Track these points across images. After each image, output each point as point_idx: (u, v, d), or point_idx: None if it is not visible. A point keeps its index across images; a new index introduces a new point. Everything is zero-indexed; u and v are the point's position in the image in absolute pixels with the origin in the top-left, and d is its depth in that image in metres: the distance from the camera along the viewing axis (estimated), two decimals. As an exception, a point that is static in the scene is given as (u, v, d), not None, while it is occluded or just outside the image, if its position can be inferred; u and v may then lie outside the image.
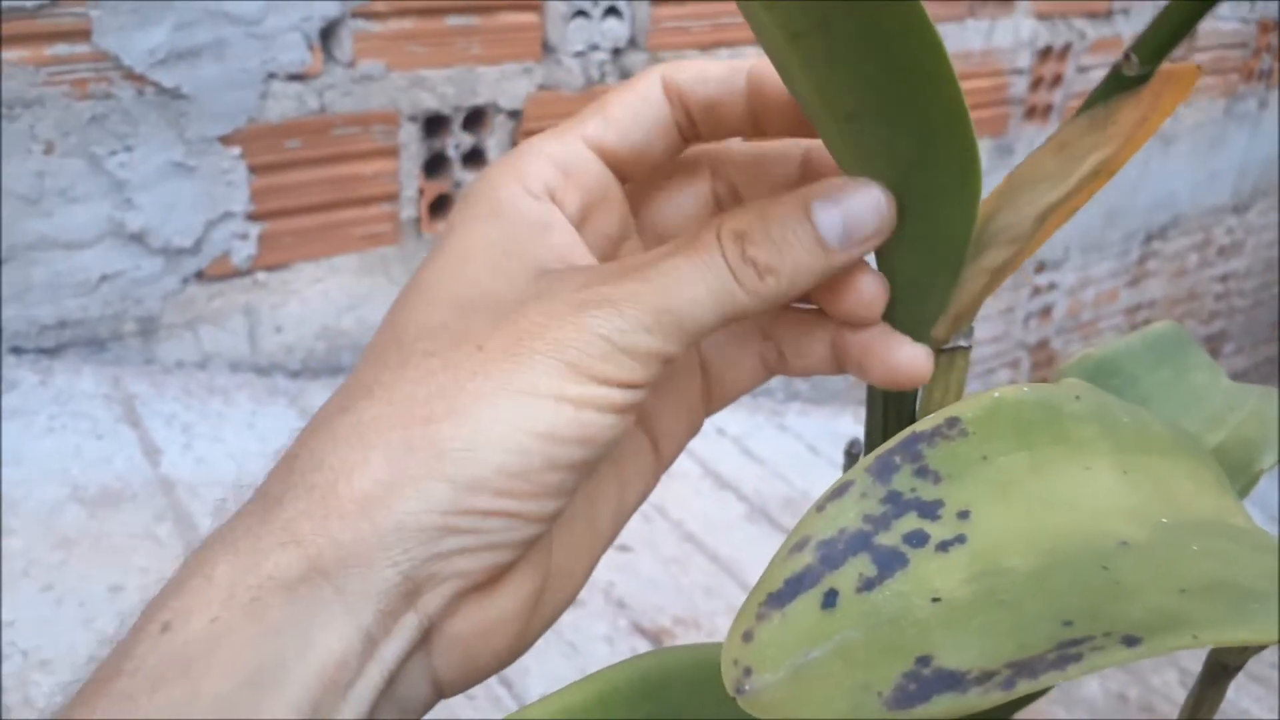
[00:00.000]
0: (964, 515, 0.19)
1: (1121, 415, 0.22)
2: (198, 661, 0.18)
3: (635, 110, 0.26)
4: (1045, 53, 1.67)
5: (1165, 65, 0.24)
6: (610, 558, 1.12)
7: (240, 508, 0.21)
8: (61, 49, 0.92)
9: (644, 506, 1.22)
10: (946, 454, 0.19)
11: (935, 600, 0.17)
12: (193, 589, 0.19)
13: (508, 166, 0.24)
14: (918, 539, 0.18)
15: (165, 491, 0.89)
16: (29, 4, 0.89)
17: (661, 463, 0.27)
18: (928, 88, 0.20)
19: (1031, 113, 1.69)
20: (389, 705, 0.21)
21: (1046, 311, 1.96)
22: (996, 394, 0.20)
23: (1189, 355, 0.31)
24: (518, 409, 0.21)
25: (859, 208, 0.22)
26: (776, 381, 1.62)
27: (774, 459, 1.31)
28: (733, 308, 0.22)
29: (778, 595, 0.18)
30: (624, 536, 1.20)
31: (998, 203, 0.24)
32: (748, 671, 0.17)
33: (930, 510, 0.19)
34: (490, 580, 0.22)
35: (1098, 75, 1.75)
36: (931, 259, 0.23)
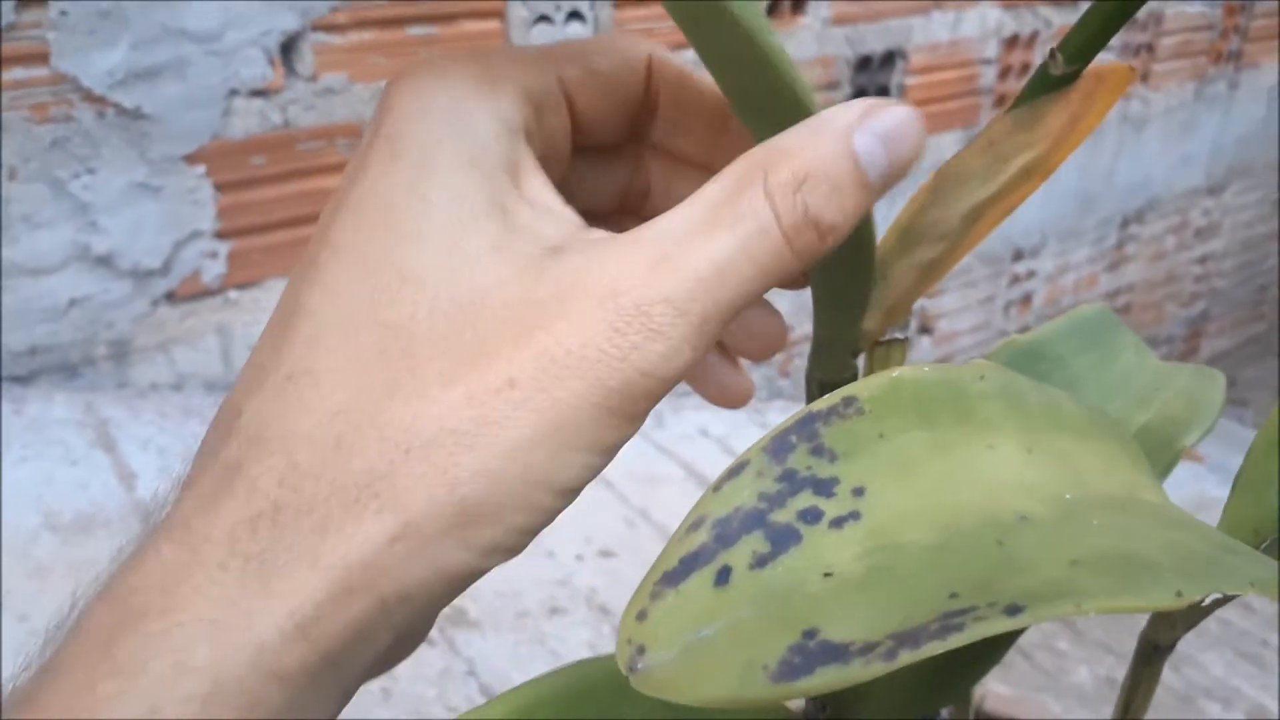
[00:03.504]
0: (859, 492, 0.19)
1: (1029, 394, 0.22)
2: None
3: (618, 76, 0.22)
4: (1012, 41, 1.68)
5: (1096, 65, 0.24)
6: (593, 563, 1.12)
7: (228, 546, 0.17)
8: (19, 73, 0.91)
9: (626, 511, 1.21)
10: (842, 432, 0.19)
11: (827, 575, 0.18)
12: (182, 671, 0.16)
13: (482, 86, 0.19)
14: (812, 516, 0.18)
15: (141, 516, 0.89)
16: (-15, 30, 0.89)
17: None
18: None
19: (1001, 101, 1.70)
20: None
21: (1026, 299, 1.97)
22: (895, 373, 0.20)
23: (1117, 337, 0.31)
24: (552, 464, 0.18)
25: (898, 129, 0.20)
26: (758, 379, 1.62)
27: (756, 457, 1.31)
28: (776, 279, 0.19)
29: (672, 574, 0.18)
30: (607, 541, 1.19)
31: (926, 199, 0.25)
32: (641, 650, 0.17)
33: (825, 488, 0.19)
34: None
35: (1066, 63, 1.76)
36: (840, 254, 0.23)
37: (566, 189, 0.23)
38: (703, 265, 0.18)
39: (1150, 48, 1.90)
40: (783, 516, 0.18)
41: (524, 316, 0.18)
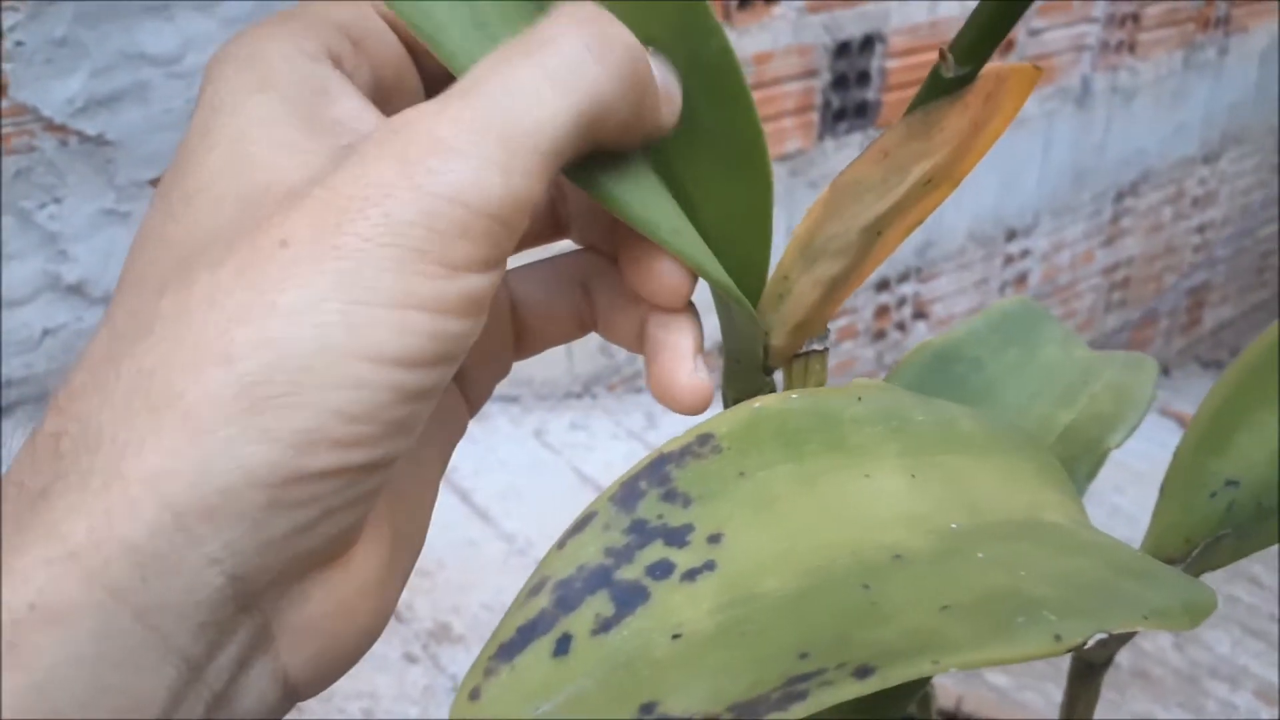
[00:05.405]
0: (715, 539, 0.17)
1: (917, 413, 0.20)
2: None
3: None
4: (994, 19, 1.65)
5: (995, 65, 0.22)
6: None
7: None
8: (-23, 107, 0.91)
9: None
10: (697, 474, 0.18)
11: (676, 637, 0.16)
12: None
13: (278, 28, 0.19)
14: (662, 570, 0.17)
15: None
16: (-61, 64, 0.88)
17: (471, 410, 0.23)
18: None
19: (986, 81, 1.68)
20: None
21: (1022, 279, 1.94)
22: (757, 404, 0.19)
23: (1040, 330, 0.29)
24: (353, 327, 0.15)
25: (670, 81, 0.20)
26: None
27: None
28: (589, 101, 0.17)
29: (508, 646, 0.16)
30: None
31: (824, 212, 0.23)
32: (473, 733, 0.16)
33: (678, 537, 0.17)
34: (338, 550, 0.17)
35: (1050, 37, 1.73)
36: (733, 271, 0.22)
37: None
38: (496, 88, 0.17)
39: (1136, 17, 1.87)
40: (630, 573, 0.17)
41: (306, 193, 0.17)
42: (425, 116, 0.17)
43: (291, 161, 0.17)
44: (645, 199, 0.20)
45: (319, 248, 0.16)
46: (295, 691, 0.18)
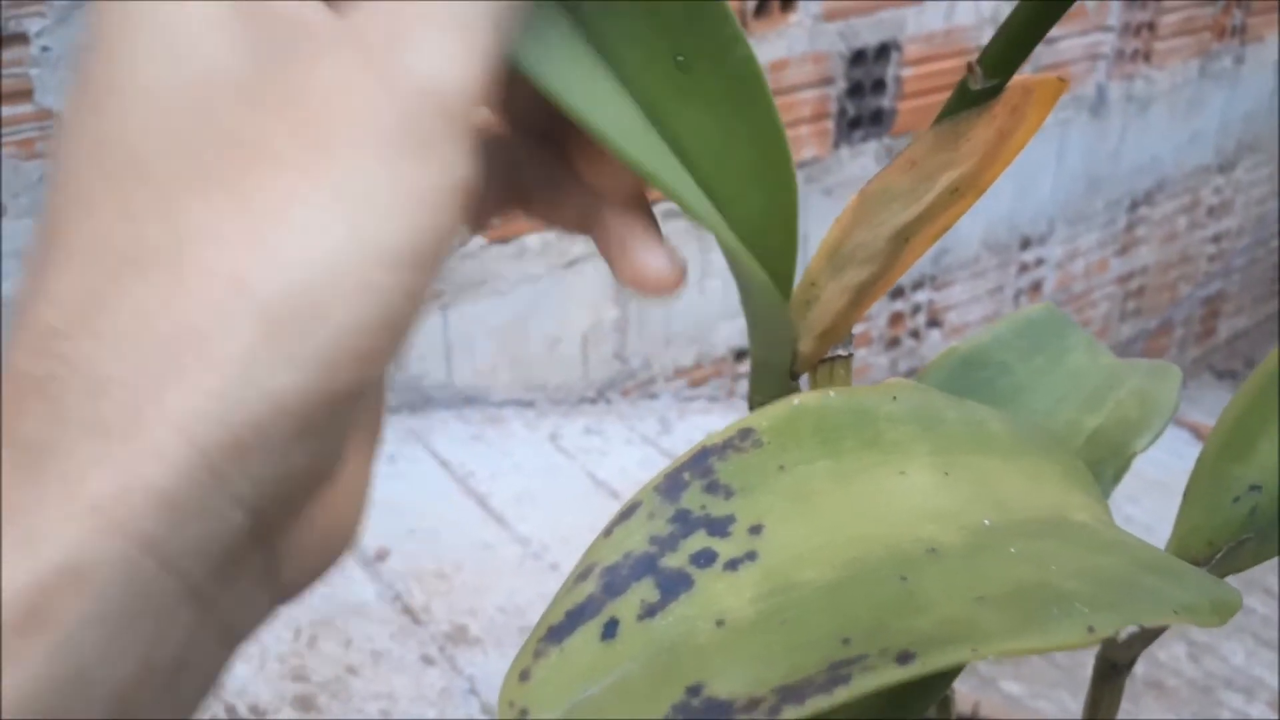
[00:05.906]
0: (756, 530, 0.18)
1: (948, 413, 0.21)
2: None
3: None
4: (1009, 28, 1.65)
5: (1021, 77, 0.23)
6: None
7: None
8: (4, 111, 0.92)
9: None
10: (739, 467, 0.18)
11: (720, 623, 0.17)
12: None
13: None
14: (705, 558, 0.17)
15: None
16: (-32, 69, 0.89)
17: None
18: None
19: (1000, 90, 1.68)
20: (219, 644, 0.16)
21: (1036, 287, 1.94)
22: (796, 401, 0.19)
23: (1065, 336, 0.30)
24: (361, 235, 0.15)
25: None
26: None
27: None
28: None
29: (557, 629, 0.17)
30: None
31: (852, 220, 0.24)
32: (523, 713, 0.16)
33: (720, 527, 0.18)
34: (338, 467, 0.17)
35: (1066, 45, 1.73)
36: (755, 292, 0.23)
37: None
38: None
39: (1152, 26, 1.87)
40: (674, 561, 0.17)
41: (267, 89, 0.15)
42: (374, 13, 0.16)
43: (227, 41, 0.16)
44: (642, 148, 0.20)
45: (307, 158, 0.15)
46: (282, 596, 0.18)
